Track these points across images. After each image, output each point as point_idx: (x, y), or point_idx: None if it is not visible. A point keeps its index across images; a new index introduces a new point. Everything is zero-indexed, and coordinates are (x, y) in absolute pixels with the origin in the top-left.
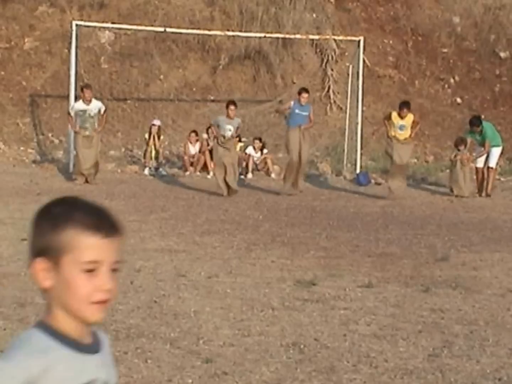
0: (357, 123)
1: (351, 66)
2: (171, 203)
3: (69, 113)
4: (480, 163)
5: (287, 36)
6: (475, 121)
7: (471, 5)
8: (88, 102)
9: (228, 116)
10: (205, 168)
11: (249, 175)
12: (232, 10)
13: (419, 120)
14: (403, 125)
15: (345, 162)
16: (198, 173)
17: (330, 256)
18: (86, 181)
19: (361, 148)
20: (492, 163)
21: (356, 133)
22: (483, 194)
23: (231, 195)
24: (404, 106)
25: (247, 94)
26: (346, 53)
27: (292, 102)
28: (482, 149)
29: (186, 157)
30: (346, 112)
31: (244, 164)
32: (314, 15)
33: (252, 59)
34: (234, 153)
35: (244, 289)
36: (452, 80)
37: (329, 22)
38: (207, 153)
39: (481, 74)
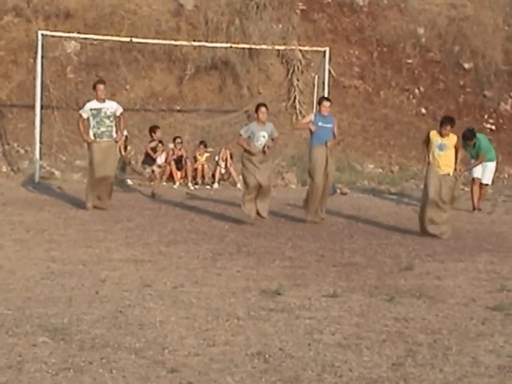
0: None
1: (316, 77)
2: (136, 213)
3: (79, 118)
4: (477, 173)
5: (253, 46)
6: (469, 135)
7: (435, 17)
8: (102, 100)
9: (259, 120)
10: (171, 178)
11: (215, 185)
12: (198, 21)
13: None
14: (443, 144)
15: None
16: (164, 183)
17: (295, 265)
18: (98, 207)
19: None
20: (487, 179)
21: None
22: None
23: (256, 221)
24: (448, 123)
25: (213, 104)
26: (312, 64)
27: (312, 115)
28: (473, 161)
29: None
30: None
31: (210, 174)
32: (280, 26)
33: (218, 70)
34: (270, 170)
35: (210, 299)
36: (417, 91)
37: (295, 32)
38: (172, 163)
39: (445, 84)
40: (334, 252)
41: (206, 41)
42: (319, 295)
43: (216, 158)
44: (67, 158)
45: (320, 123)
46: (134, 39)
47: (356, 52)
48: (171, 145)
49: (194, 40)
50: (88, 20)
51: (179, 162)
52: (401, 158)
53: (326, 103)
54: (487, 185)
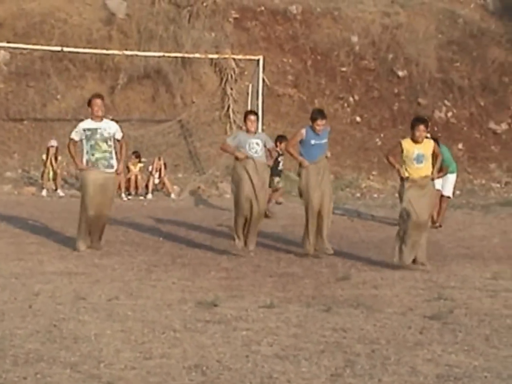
0: None
1: (250, 85)
2: (69, 224)
3: (70, 141)
4: (437, 185)
5: (186, 55)
6: None
7: (369, 25)
8: (98, 119)
9: (248, 131)
10: None
11: (149, 196)
12: (130, 29)
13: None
14: (421, 155)
15: None
16: None
17: (231, 276)
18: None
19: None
20: (448, 191)
21: None
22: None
23: (245, 252)
24: (420, 122)
25: (146, 114)
26: (246, 72)
27: (303, 131)
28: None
29: None
30: None
31: (144, 184)
32: (213, 34)
33: (151, 79)
34: (264, 192)
35: (145, 311)
36: (351, 99)
37: (228, 41)
38: None
39: (379, 92)
40: (270, 262)
41: (139, 50)
42: (255, 306)
43: (150, 168)
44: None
45: (312, 141)
46: (65, 48)
47: (290, 61)
48: None
49: (126, 49)
50: (18, 29)
51: None
52: (336, 166)
53: (320, 121)
54: (448, 197)
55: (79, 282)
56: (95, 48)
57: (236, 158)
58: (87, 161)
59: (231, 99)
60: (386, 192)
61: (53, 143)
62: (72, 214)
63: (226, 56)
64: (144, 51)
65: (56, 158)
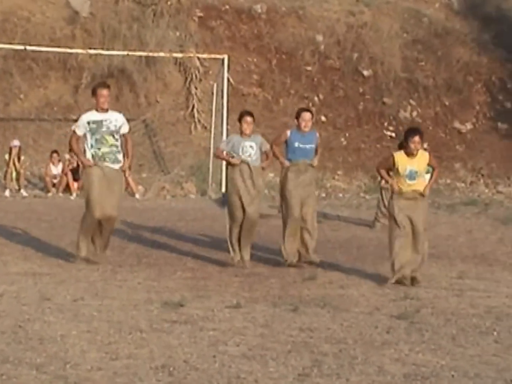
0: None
1: (215, 85)
2: (33, 225)
3: (72, 136)
4: None
5: (150, 54)
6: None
7: (334, 23)
8: (104, 110)
9: (243, 134)
10: (67, 189)
11: None
12: (94, 28)
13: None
14: (414, 172)
15: (210, 181)
16: (60, 194)
17: (197, 276)
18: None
19: (226, 168)
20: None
21: None
22: None
23: (242, 266)
24: (415, 133)
25: None
26: (210, 72)
27: (288, 131)
28: None
29: (48, 178)
30: (210, 131)
31: None
32: (178, 33)
33: (115, 78)
34: (259, 199)
35: (111, 311)
36: (316, 98)
37: (193, 40)
38: (69, 173)
39: (344, 92)
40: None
41: (102, 48)
42: (222, 306)
43: None
44: None
45: (297, 143)
46: (28, 47)
47: (255, 60)
48: (67, 156)
49: (90, 48)
50: None
51: (75, 173)
52: None
53: (306, 115)
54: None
55: (44, 283)
56: (59, 47)
57: (231, 164)
58: (93, 156)
59: (196, 98)
60: (351, 191)
61: (16, 143)
62: (35, 214)
63: (191, 55)
64: (108, 50)
65: (19, 158)
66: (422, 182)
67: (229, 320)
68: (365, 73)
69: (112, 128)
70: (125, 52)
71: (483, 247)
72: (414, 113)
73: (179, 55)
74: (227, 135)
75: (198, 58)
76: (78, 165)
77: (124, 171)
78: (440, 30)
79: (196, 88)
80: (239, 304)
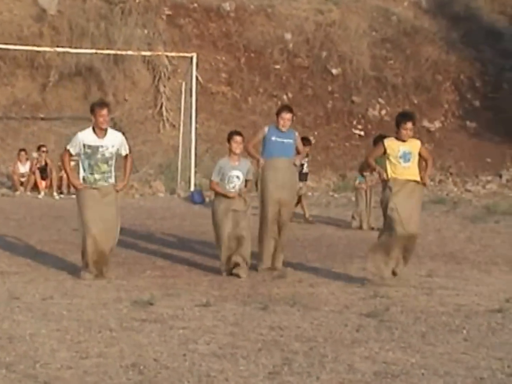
0: (191, 141)
1: (184, 83)
2: (1, 224)
3: (65, 153)
4: None
5: (118, 52)
6: (379, 141)
7: (302, 22)
8: (102, 133)
9: (232, 153)
10: (35, 187)
11: None
12: (62, 26)
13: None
14: (408, 153)
15: (179, 180)
16: (28, 192)
17: (166, 275)
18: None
19: (195, 166)
20: None
21: (190, 151)
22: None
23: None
24: (408, 119)
25: (78, 111)
26: (179, 70)
27: (266, 128)
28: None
29: (15, 177)
30: (179, 130)
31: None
32: (146, 31)
33: (82, 76)
34: (246, 220)
35: (81, 310)
36: (285, 97)
37: (161, 38)
38: (37, 172)
39: (313, 90)
40: (206, 261)
41: (70, 47)
42: (192, 305)
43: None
44: None
45: (274, 137)
46: None
47: (224, 58)
48: (35, 154)
49: (57, 46)
50: None
51: (43, 171)
52: None
53: (285, 115)
54: None
55: (12, 282)
56: (26, 45)
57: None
58: (84, 180)
59: (164, 97)
60: (320, 190)
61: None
62: (3, 213)
63: (159, 53)
64: (75, 48)
65: None
66: (415, 168)
67: (199, 319)
68: (334, 71)
69: (107, 155)
70: (93, 50)
71: (452, 245)
72: (383, 112)
73: (148, 53)
74: (196, 134)
75: (167, 56)
76: (46, 164)
77: (117, 191)
78: (408, 28)
79: (164, 87)
80: (208, 303)
